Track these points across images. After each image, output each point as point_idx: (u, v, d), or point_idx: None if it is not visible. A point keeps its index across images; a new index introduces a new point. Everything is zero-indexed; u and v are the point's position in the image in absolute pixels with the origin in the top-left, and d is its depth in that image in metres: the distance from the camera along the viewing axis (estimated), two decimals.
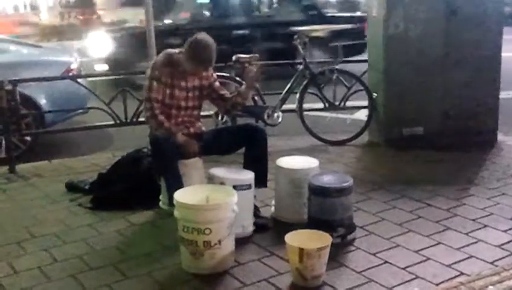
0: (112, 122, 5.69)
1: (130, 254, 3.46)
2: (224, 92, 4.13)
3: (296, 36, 5.79)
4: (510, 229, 3.66)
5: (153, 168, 4.15)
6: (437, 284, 3.02)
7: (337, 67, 5.74)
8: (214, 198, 3.30)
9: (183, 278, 3.16)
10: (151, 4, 4.99)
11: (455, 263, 3.23)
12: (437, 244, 3.48)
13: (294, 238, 3.07)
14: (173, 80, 3.86)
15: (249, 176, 3.64)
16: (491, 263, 3.23)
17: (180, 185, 3.56)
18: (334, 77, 5.76)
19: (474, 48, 5.39)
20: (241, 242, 3.45)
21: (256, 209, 3.82)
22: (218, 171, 3.66)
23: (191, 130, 3.97)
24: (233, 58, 5.66)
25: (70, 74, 6.24)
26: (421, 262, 3.26)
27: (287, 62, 6.13)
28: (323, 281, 3.04)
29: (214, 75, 4.11)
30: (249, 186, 3.58)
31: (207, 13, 10.55)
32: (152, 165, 4.17)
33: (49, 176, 4.98)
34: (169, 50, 3.94)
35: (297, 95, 5.76)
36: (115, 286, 3.09)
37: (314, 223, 3.47)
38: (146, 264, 3.31)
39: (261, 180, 3.81)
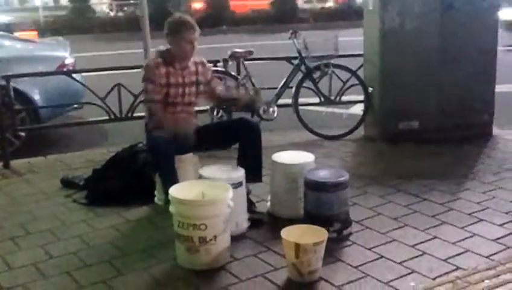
0: (107, 117, 5.67)
1: (125, 250, 3.45)
2: (219, 89, 4.13)
3: (291, 31, 5.77)
4: (506, 223, 3.66)
5: (148, 164, 4.13)
6: (433, 279, 3.02)
7: (332, 61, 5.72)
8: (209, 193, 3.29)
9: (178, 274, 3.15)
10: (146, 7, 4.96)
11: (451, 257, 3.23)
12: (433, 238, 3.48)
13: (290, 234, 3.06)
14: (169, 79, 3.85)
15: (238, 173, 3.62)
16: (487, 257, 3.23)
17: (175, 181, 3.54)
18: (330, 71, 5.75)
19: (470, 42, 5.38)
20: (237, 238, 3.45)
21: (251, 204, 3.81)
22: (208, 171, 3.64)
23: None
24: (229, 52, 5.67)
25: (65, 69, 6.21)
26: (417, 256, 3.26)
27: (283, 57, 6.11)
28: (320, 276, 3.04)
29: (211, 72, 4.10)
30: (239, 184, 3.56)
31: None
32: (147, 161, 4.16)
33: (44, 171, 4.96)
34: (160, 49, 3.92)
35: (293, 90, 5.74)
36: (110, 282, 3.08)
37: (310, 218, 3.46)
38: (141, 260, 3.30)
39: (255, 175, 3.80)
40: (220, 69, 5.62)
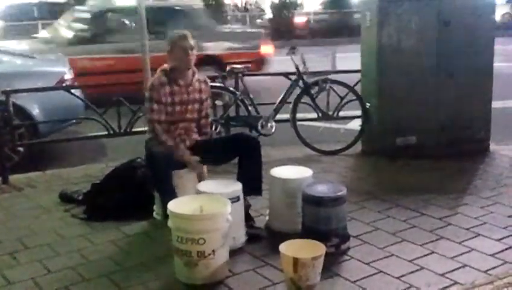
0: (106, 132, 5.69)
1: (123, 265, 3.44)
2: (206, 113, 4.18)
3: (290, 47, 5.82)
4: (503, 238, 3.68)
5: (146, 179, 4.15)
6: None
7: (330, 77, 5.76)
8: (207, 208, 3.29)
9: (177, 288, 3.15)
10: (144, 12, 4.92)
11: (449, 272, 3.24)
12: (431, 253, 3.49)
13: (289, 248, 3.07)
14: (174, 97, 3.89)
15: (236, 188, 3.63)
16: (485, 271, 3.24)
17: (173, 195, 3.56)
18: (327, 87, 5.79)
19: (466, 58, 5.43)
20: (235, 252, 3.45)
21: (250, 219, 3.82)
22: (206, 186, 3.66)
23: (187, 142, 3.99)
24: (227, 68, 5.71)
25: (64, 85, 6.23)
26: (415, 271, 3.26)
27: (280, 73, 6.15)
28: None
29: (209, 92, 4.15)
30: (237, 199, 3.57)
31: None
32: (146, 176, 4.17)
33: (43, 186, 4.96)
34: (163, 67, 3.95)
35: (291, 105, 5.77)
36: None
37: (308, 232, 3.47)
38: (140, 275, 3.30)
39: (256, 189, 3.83)
40: (218, 84, 5.65)
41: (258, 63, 9.54)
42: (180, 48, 3.87)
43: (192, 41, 3.91)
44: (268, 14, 22.37)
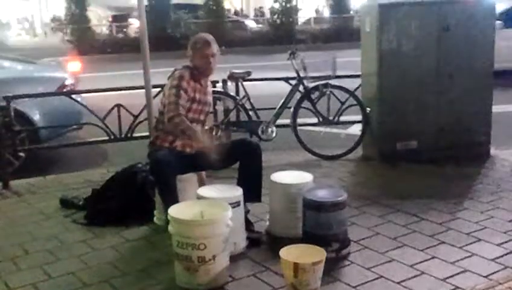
0: (107, 137, 5.69)
1: (124, 270, 3.44)
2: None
3: (290, 52, 5.82)
4: (504, 242, 3.67)
5: (147, 184, 4.15)
6: None
7: (330, 82, 5.76)
8: (208, 213, 3.29)
9: None
10: (145, 14, 4.91)
11: (450, 277, 3.24)
12: (431, 258, 3.48)
13: (289, 253, 3.07)
14: (195, 94, 3.90)
15: (237, 193, 3.63)
16: (486, 276, 3.23)
17: (175, 201, 3.55)
18: (328, 91, 5.79)
19: (466, 63, 5.43)
20: (235, 257, 3.45)
21: (249, 224, 3.82)
22: (206, 191, 3.66)
23: (193, 144, 3.97)
24: (228, 73, 5.72)
25: (65, 90, 6.24)
26: (415, 276, 3.26)
27: (281, 78, 6.15)
28: None
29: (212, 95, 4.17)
30: (237, 204, 3.56)
31: None
32: (147, 181, 4.17)
33: (43, 192, 4.97)
34: (186, 64, 3.95)
35: (292, 110, 5.77)
36: None
37: (309, 237, 3.47)
38: (140, 280, 3.30)
39: (255, 195, 3.82)
40: (219, 89, 5.65)
41: None
42: (201, 54, 3.87)
43: (216, 47, 3.92)
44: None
